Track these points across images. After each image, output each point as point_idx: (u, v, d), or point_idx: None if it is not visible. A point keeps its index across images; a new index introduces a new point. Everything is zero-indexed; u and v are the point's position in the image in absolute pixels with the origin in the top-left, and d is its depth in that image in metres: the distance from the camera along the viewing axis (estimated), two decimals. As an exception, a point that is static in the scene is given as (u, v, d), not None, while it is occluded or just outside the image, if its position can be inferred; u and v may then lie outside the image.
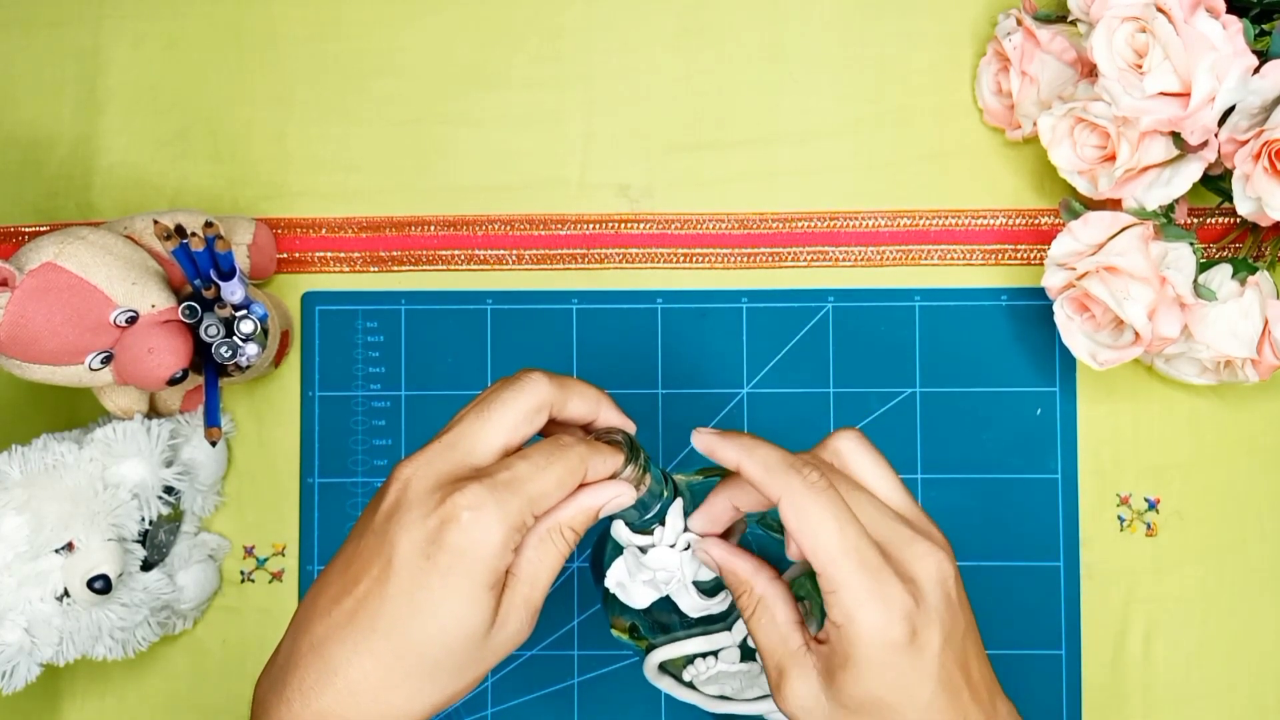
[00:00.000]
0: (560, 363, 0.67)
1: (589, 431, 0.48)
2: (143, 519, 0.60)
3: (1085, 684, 0.66)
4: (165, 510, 0.62)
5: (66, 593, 0.57)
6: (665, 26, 0.69)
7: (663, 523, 0.49)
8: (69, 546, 0.57)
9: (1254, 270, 0.61)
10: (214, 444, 0.61)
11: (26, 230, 0.68)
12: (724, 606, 0.51)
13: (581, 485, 0.46)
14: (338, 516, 0.67)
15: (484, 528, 0.42)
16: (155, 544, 0.62)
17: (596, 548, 0.56)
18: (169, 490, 0.62)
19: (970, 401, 0.67)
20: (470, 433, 0.45)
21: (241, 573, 0.67)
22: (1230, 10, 0.56)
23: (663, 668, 0.54)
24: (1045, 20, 0.64)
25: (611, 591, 0.51)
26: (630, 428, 0.49)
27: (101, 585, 0.56)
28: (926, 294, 0.67)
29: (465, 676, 0.44)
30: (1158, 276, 0.58)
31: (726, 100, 0.68)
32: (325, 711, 0.43)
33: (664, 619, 0.53)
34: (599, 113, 0.68)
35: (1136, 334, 0.58)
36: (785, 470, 0.44)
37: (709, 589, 0.51)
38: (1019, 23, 0.64)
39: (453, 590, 0.42)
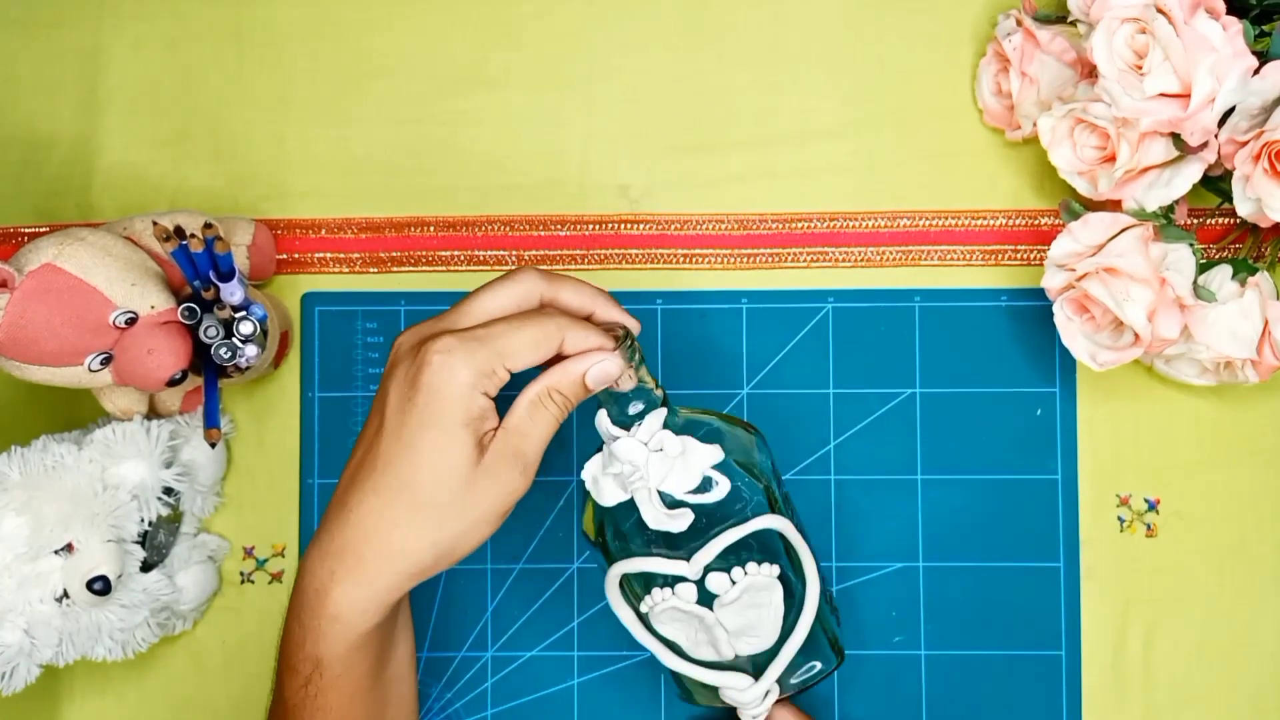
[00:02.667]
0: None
1: None
2: (142, 520, 0.60)
3: (1085, 685, 0.66)
4: (165, 511, 0.62)
5: (66, 594, 0.57)
6: (665, 27, 0.69)
7: (642, 421, 0.53)
8: (68, 548, 0.57)
9: (1254, 271, 0.61)
10: (213, 445, 0.61)
11: (26, 231, 0.68)
12: (682, 527, 0.53)
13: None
14: (337, 517, 0.67)
15: (451, 368, 0.48)
16: (155, 545, 0.62)
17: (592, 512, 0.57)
18: (168, 491, 0.62)
19: (970, 402, 0.67)
20: (459, 309, 0.51)
21: (241, 574, 0.67)
22: (1230, 11, 0.56)
23: (624, 590, 0.55)
24: (1045, 21, 0.64)
25: (586, 487, 0.55)
26: (633, 325, 0.53)
27: (101, 586, 0.56)
28: (926, 294, 0.67)
29: (460, 516, 0.49)
30: (1157, 278, 0.58)
31: (726, 101, 0.68)
32: (344, 547, 0.49)
33: (628, 533, 0.55)
34: (599, 113, 0.68)
35: (1136, 335, 0.58)
36: None
37: (670, 504, 0.53)
38: (1019, 23, 0.64)
39: (429, 425, 0.48)
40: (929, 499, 0.67)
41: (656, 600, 0.55)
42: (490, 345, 0.48)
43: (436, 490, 0.48)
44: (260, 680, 0.66)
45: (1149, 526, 0.67)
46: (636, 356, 0.51)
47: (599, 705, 0.66)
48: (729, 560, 0.54)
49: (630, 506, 0.54)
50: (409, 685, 0.55)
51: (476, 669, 0.66)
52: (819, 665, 0.58)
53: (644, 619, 0.56)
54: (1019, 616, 0.66)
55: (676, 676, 0.58)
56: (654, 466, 0.52)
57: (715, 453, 0.54)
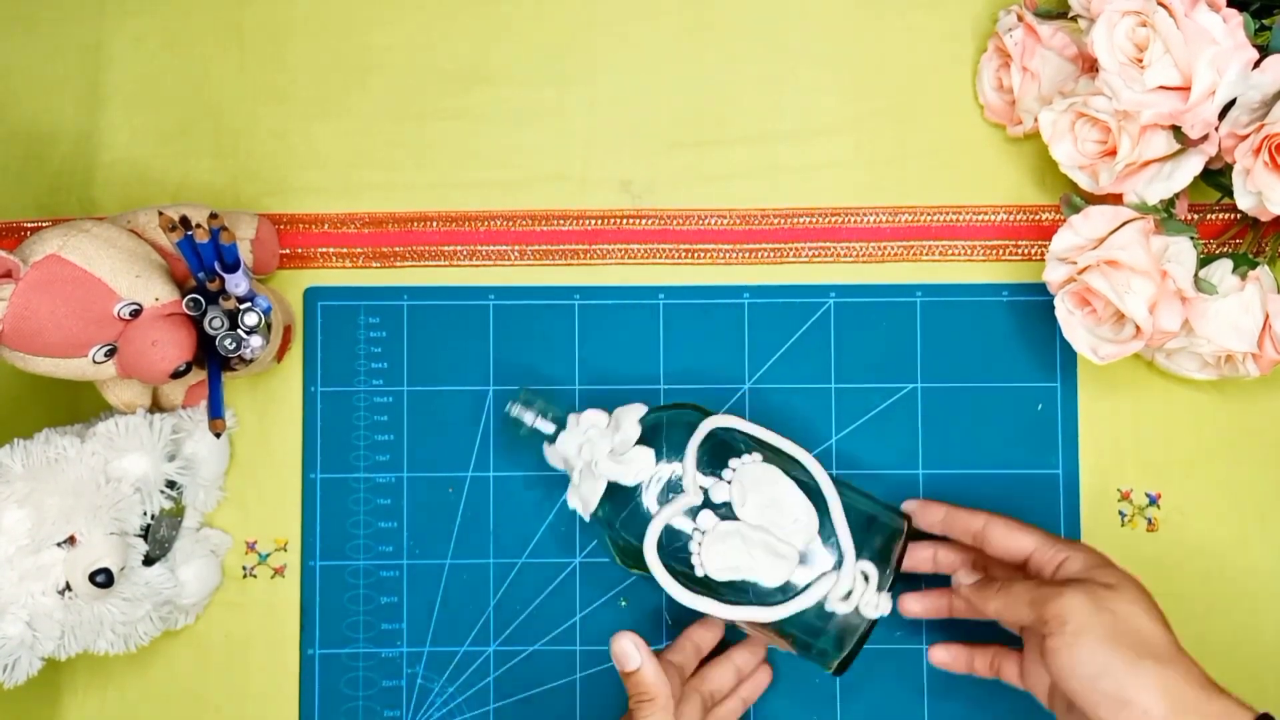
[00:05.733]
0: (563, 358, 0.67)
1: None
2: (145, 513, 0.60)
3: (1087, 679, 0.66)
4: (167, 504, 0.62)
5: (68, 586, 0.57)
6: (668, 23, 0.69)
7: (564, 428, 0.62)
8: (71, 540, 0.57)
9: (1254, 265, 0.61)
10: (219, 435, 0.61)
11: (29, 225, 0.68)
12: (633, 478, 0.59)
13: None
14: (339, 512, 0.67)
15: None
16: (157, 539, 0.62)
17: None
18: (171, 484, 0.62)
19: (971, 397, 0.67)
20: None
21: (244, 568, 0.67)
22: (1231, 4, 0.57)
23: (667, 565, 0.59)
24: (1046, 16, 0.64)
25: (572, 508, 0.61)
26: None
27: (103, 579, 0.56)
28: (928, 289, 0.67)
29: None
30: (1159, 270, 0.58)
31: (728, 96, 0.68)
32: None
33: (632, 514, 0.60)
34: (601, 108, 0.69)
35: (1138, 328, 0.59)
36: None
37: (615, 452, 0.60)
38: (1020, 19, 0.64)
39: None
40: (931, 493, 0.67)
41: (693, 546, 0.58)
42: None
43: None
44: (262, 674, 0.66)
45: (1150, 521, 0.67)
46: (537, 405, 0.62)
47: (602, 700, 0.66)
48: (717, 468, 0.60)
49: (619, 502, 0.59)
50: None
51: (479, 663, 0.66)
52: (889, 527, 0.60)
53: (701, 582, 0.59)
54: (1021, 611, 0.66)
55: (780, 631, 0.60)
56: (597, 448, 0.60)
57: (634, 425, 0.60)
